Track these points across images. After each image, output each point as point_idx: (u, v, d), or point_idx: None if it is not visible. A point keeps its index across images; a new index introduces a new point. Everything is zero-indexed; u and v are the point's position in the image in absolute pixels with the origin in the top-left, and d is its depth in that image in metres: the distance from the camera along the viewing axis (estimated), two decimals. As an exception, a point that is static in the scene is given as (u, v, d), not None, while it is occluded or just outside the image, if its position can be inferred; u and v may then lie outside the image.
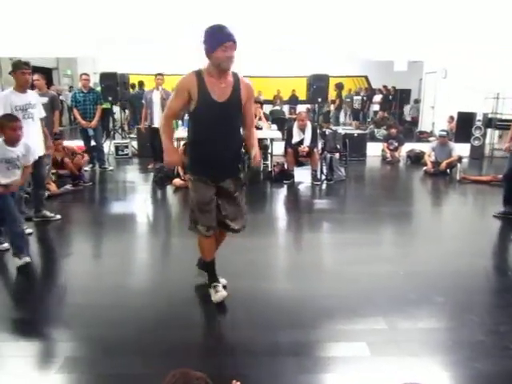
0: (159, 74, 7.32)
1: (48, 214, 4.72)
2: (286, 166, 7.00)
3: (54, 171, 6.22)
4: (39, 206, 4.69)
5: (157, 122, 7.15)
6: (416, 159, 8.49)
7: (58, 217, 4.76)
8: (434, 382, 2.24)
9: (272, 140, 7.36)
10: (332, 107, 15.24)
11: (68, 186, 6.10)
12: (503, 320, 2.89)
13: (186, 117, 7.41)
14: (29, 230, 4.27)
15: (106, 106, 8.74)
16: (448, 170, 7.59)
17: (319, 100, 8.70)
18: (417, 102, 14.86)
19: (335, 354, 2.44)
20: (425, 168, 7.71)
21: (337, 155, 7.26)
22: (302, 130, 6.74)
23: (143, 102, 7.60)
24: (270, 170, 7.32)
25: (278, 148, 7.68)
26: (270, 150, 7.49)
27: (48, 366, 2.34)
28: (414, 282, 3.37)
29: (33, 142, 3.99)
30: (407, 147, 9.03)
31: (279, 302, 3.07)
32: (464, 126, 9.61)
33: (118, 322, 2.78)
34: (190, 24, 8.68)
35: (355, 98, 15.22)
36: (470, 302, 3.14)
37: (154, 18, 8.73)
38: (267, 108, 12.79)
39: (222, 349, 2.50)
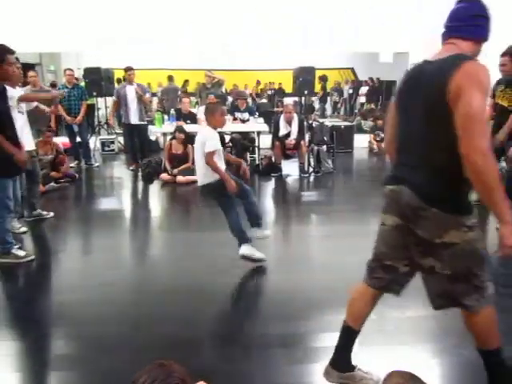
0: (130, 69, 7.12)
1: (43, 212, 4.66)
2: (273, 159, 7.01)
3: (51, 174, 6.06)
4: (35, 204, 4.61)
5: (134, 119, 7.04)
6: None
7: (52, 214, 4.71)
8: (423, 370, 2.27)
9: (259, 133, 7.35)
10: (315, 99, 15.22)
11: (53, 183, 6.02)
12: (489, 307, 2.94)
13: (172, 111, 7.39)
14: (23, 229, 4.28)
15: (90, 101, 8.65)
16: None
17: (305, 92, 8.70)
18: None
19: (325, 345, 2.46)
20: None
21: (324, 147, 7.28)
22: (289, 122, 6.74)
23: (114, 98, 7.45)
24: (257, 163, 7.31)
25: (266, 141, 7.69)
26: (257, 143, 7.48)
27: (39, 364, 2.32)
28: (402, 272, 3.40)
29: (25, 136, 3.97)
30: (394, 138, 9.07)
31: (269, 294, 3.09)
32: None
33: (108, 319, 2.77)
34: (173, 19, 8.62)
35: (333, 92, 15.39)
36: (457, 290, 3.18)
37: (138, 13, 8.63)
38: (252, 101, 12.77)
39: (213, 342, 2.50)
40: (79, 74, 10.48)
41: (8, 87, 3.60)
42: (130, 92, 7.06)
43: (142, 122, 7.13)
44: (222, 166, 3.46)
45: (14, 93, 3.86)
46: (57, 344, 2.53)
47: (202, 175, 3.47)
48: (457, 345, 2.43)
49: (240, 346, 2.43)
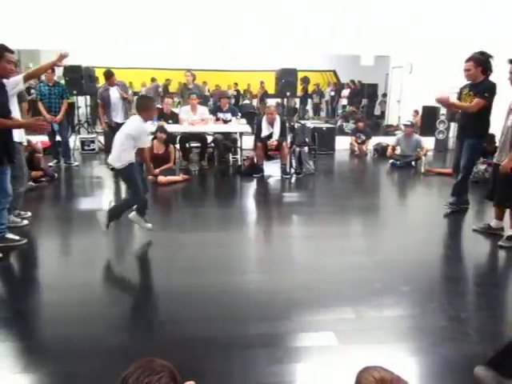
0: (111, 75, 7.13)
1: (22, 212, 4.58)
2: (255, 160, 7.02)
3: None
4: (16, 205, 4.48)
5: (120, 118, 7.04)
6: (383, 152, 8.67)
7: (29, 214, 4.62)
8: (400, 367, 2.31)
9: (241, 134, 7.35)
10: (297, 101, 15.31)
11: (31, 183, 5.90)
12: (463, 307, 3.02)
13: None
14: (25, 222, 4.39)
15: (70, 100, 8.52)
16: (413, 163, 7.80)
17: (288, 94, 8.75)
18: (385, 96, 15.15)
19: (304, 344, 2.49)
20: (391, 161, 7.89)
21: (306, 149, 7.33)
22: (271, 123, 6.76)
23: (98, 100, 7.42)
24: (239, 164, 7.32)
25: (248, 142, 7.70)
26: (239, 144, 7.49)
27: (12, 366, 2.28)
28: (381, 272, 3.46)
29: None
30: (374, 141, 9.21)
31: (249, 295, 3.09)
32: (428, 119, 9.88)
33: (86, 319, 2.73)
34: (158, 17, 8.57)
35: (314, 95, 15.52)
36: (433, 290, 3.25)
37: (121, 10, 8.55)
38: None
39: (193, 342, 2.49)
40: (59, 71, 10.33)
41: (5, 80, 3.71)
42: (114, 93, 7.05)
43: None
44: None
45: (13, 82, 3.86)
46: (34, 345, 2.49)
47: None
48: (433, 343, 2.48)
49: (220, 346, 2.43)
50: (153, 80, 11.23)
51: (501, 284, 3.50)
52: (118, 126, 6.97)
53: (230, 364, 2.29)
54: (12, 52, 3.54)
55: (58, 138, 7.38)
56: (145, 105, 3.95)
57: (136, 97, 7.76)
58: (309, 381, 2.20)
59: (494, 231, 4.25)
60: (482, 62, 4.54)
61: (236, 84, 15.77)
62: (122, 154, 3.86)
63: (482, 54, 4.58)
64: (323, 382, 2.19)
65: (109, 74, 7.13)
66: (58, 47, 11.27)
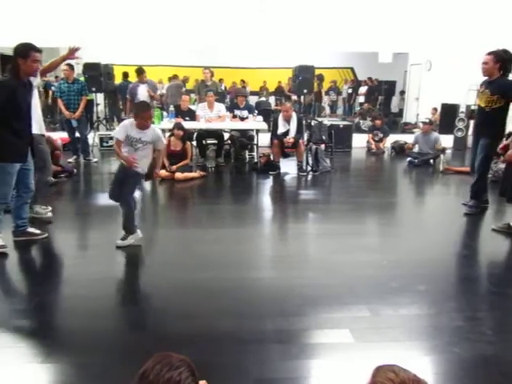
0: (142, 72, 7.26)
1: (42, 206, 4.67)
2: (271, 157, 7.03)
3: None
4: (43, 193, 4.60)
5: None
6: (400, 150, 8.60)
7: (50, 208, 4.70)
8: (415, 366, 2.30)
9: (258, 131, 7.37)
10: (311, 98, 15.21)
11: (51, 178, 6.01)
12: (481, 307, 2.98)
13: (172, 108, 7.41)
14: (50, 214, 4.49)
15: (89, 97, 8.65)
16: (431, 161, 7.72)
17: (305, 91, 8.72)
18: (402, 93, 14.99)
19: (320, 341, 2.50)
20: (409, 159, 7.82)
21: (322, 146, 7.31)
22: (287, 121, 6.76)
23: (127, 96, 7.56)
24: (255, 161, 7.34)
25: (264, 139, 7.72)
26: (255, 141, 7.51)
27: (33, 357, 2.34)
28: (397, 271, 3.44)
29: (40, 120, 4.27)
30: (392, 138, 9.13)
31: (265, 291, 3.11)
32: (447, 117, 9.74)
33: (105, 313, 2.79)
34: (175, 15, 8.62)
35: (330, 92, 15.39)
36: (450, 289, 3.23)
37: (139, 9, 8.63)
38: (253, 99, 12.78)
39: (209, 337, 2.53)
40: (78, 69, 10.47)
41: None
42: (142, 91, 7.17)
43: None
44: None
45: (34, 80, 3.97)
46: (52, 336, 2.56)
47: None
48: (449, 342, 2.47)
49: (236, 341, 2.46)
50: (175, 77, 11.28)
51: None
52: None
53: (245, 359, 2.31)
54: (39, 51, 3.59)
55: (77, 134, 7.50)
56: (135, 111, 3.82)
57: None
58: (325, 377, 2.21)
59: None
60: (502, 60, 4.42)
61: (243, 81, 15.69)
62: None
63: (506, 52, 4.46)
64: (339, 379, 2.20)
65: (139, 71, 7.29)
66: (76, 45, 11.49)
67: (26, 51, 3.49)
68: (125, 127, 3.70)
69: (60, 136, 7.23)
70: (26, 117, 3.60)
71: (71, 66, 7.36)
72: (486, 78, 4.60)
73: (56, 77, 14.01)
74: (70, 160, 7.33)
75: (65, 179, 6.26)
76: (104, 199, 5.68)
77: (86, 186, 6.51)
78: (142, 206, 5.59)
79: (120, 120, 9.67)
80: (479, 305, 2.99)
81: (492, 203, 5.09)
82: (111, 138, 8.90)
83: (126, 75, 11.72)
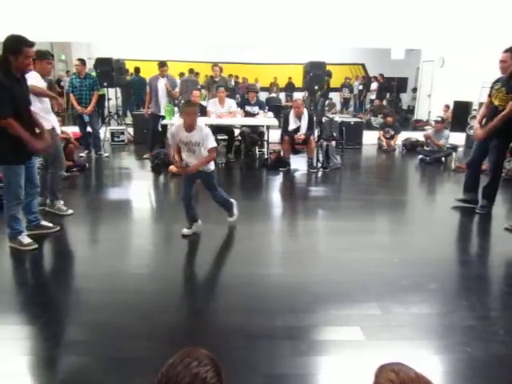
0: (164, 65, 7.27)
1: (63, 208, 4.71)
2: (282, 154, 7.02)
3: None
4: (56, 189, 4.63)
5: (162, 110, 7.21)
6: (412, 148, 8.53)
7: (62, 202, 4.70)
8: (426, 365, 2.30)
9: (268, 127, 7.36)
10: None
11: (64, 172, 6.06)
12: (493, 306, 2.96)
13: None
14: (70, 211, 4.56)
15: (101, 92, 8.69)
16: (443, 159, 7.65)
17: (316, 87, 8.69)
18: (414, 90, 14.85)
19: (330, 338, 2.50)
20: (420, 156, 7.76)
21: (333, 143, 7.27)
22: (299, 117, 6.74)
23: (147, 88, 7.60)
24: (266, 157, 7.33)
25: (275, 135, 7.70)
26: (266, 138, 7.50)
27: (49, 348, 2.38)
28: (408, 269, 3.42)
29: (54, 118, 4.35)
30: (403, 136, 9.06)
31: (275, 288, 3.11)
32: (460, 114, 9.63)
33: (119, 307, 2.82)
34: (185, 11, 8.61)
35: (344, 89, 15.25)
36: (462, 288, 3.21)
37: (150, 4, 8.64)
38: (263, 95, 12.75)
39: (219, 332, 2.54)
40: (90, 64, 10.53)
41: (34, 75, 3.94)
42: (161, 84, 7.18)
43: None
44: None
45: (33, 82, 3.97)
46: (67, 329, 2.59)
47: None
48: (460, 342, 2.46)
49: (246, 337, 2.47)
50: (190, 71, 11.28)
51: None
52: (158, 117, 7.21)
53: (255, 354, 2.32)
54: (31, 45, 3.37)
55: (89, 129, 7.56)
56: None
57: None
58: (335, 374, 2.21)
59: None
60: None
61: (237, 77, 15.59)
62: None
63: None
64: (349, 377, 2.20)
65: (160, 64, 7.30)
66: (89, 39, 11.54)
67: (17, 47, 3.29)
68: (173, 132, 3.77)
69: (72, 130, 7.28)
70: (25, 114, 3.45)
71: (83, 61, 7.42)
72: (502, 75, 4.50)
73: (67, 71, 14.14)
74: (81, 154, 7.39)
75: (77, 173, 6.32)
76: (116, 193, 5.74)
77: (97, 181, 6.56)
78: (154, 201, 5.64)
79: (133, 115, 9.69)
80: (491, 304, 2.97)
81: (505, 202, 5.03)
82: (122, 133, 8.98)
83: (137, 70, 11.79)
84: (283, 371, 2.21)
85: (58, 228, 4.06)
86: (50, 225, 4.05)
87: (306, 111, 6.82)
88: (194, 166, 3.77)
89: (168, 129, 7.93)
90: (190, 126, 3.64)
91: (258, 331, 2.53)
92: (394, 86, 14.58)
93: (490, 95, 4.67)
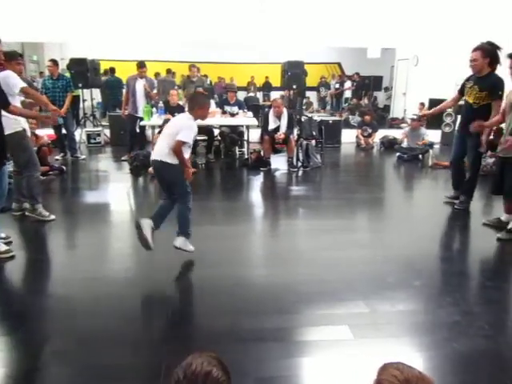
0: (143, 65, 7.14)
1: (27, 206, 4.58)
2: (262, 153, 7.00)
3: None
4: (35, 192, 4.44)
5: (140, 111, 7.10)
6: (389, 145, 8.64)
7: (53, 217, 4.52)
8: (415, 362, 2.31)
9: (248, 127, 7.33)
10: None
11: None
12: (476, 301, 3.01)
13: (161, 104, 7.33)
14: (52, 216, 4.39)
15: (75, 93, 8.50)
16: (420, 156, 7.77)
17: (294, 87, 8.70)
18: (386, 89, 15.08)
19: (320, 338, 2.49)
20: (398, 154, 7.87)
21: (313, 142, 7.30)
22: (278, 117, 6.73)
23: (125, 88, 7.46)
24: (246, 157, 7.30)
25: (254, 135, 7.68)
26: (245, 137, 7.47)
27: (29, 359, 2.29)
28: (391, 266, 3.45)
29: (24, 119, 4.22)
30: (380, 134, 9.17)
31: (261, 289, 3.09)
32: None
33: (101, 313, 2.74)
34: (161, 10, 8.51)
35: (321, 88, 15.32)
36: (445, 284, 3.25)
37: (125, 4, 8.50)
38: (241, 95, 12.71)
39: (206, 335, 2.50)
40: (63, 64, 10.28)
41: (15, 76, 3.98)
42: (139, 86, 7.05)
43: None
44: (187, 156, 3.42)
45: (19, 82, 3.99)
46: (46, 339, 2.50)
47: (165, 155, 3.32)
48: (447, 337, 2.48)
49: (234, 340, 2.44)
50: (168, 72, 11.14)
51: (509, 278, 3.51)
52: (135, 118, 7.09)
53: (243, 357, 2.28)
54: (22, 56, 3.82)
55: (64, 131, 7.37)
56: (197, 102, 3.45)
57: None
58: (327, 374, 2.20)
59: (505, 225, 4.23)
60: (490, 53, 4.35)
61: (206, 75, 15.48)
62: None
63: (491, 44, 4.38)
64: (341, 376, 2.19)
65: (140, 65, 7.16)
66: (61, 40, 11.28)
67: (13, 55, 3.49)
68: (194, 127, 3.33)
69: (46, 133, 7.10)
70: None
71: (55, 62, 7.20)
72: (474, 73, 4.57)
73: (41, 72, 13.79)
74: (57, 157, 7.21)
75: (53, 177, 6.15)
76: (93, 197, 5.62)
77: (74, 184, 6.39)
78: (134, 204, 5.54)
79: (110, 116, 9.48)
80: (474, 299, 3.02)
81: (481, 197, 5.14)
82: (99, 135, 8.79)
83: (112, 70, 11.57)
84: (274, 374, 2.19)
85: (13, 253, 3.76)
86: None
87: (285, 110, 6.82)
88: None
89: (146, 130, 7.85)
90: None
91: (246, 334, 2.50)
92: (371, 85, 14.74)
93: (460, 92, 4.79)
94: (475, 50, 4.44)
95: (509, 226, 4.01)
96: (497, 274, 3.52)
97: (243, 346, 2.38)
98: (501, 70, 4.38)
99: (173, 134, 3.29)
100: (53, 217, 4.39)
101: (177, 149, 3.25)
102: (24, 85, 4.07)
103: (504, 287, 3.24)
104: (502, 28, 7.26)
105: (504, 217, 4.27)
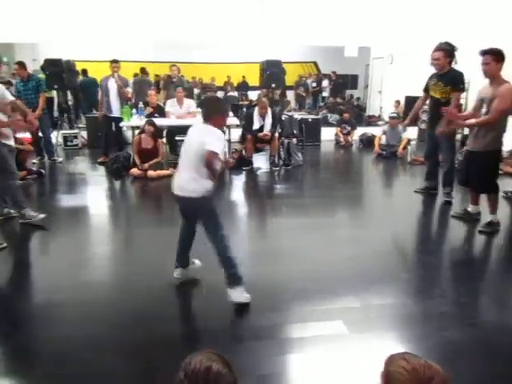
0: (115, 62, 7.00)
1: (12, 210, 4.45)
2: (244, 153, 7.01)
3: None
4: (16, 198, 4.34)
5: (115, 111, 6.96)
6: (368, 143, 8.77)
7: (43, 215, 4.40)
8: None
9: (229, 127, 7.31)
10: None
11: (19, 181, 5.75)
12: (463, 292, 3.09)
13: (141, 104, 7.25)
14: (41, 216, 4.29)
15: (49, 94, 8.30)
16: (398, 153, 7.93)
17: (273, 85, 8.73)
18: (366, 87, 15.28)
19: (316, 334, 2.52)
20: (374, 150, 8.01)
21: (294, 140, 7.35)
22: (263, 116, 6.74)
23: (99, 89, 7.31)
24: (228, 156, 7.29)
25: (234, 135, 7.66)
26: (227, 137, 7.45)
27: (23, 366, 2.24)
28: (379, 261, 3.52)
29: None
30: (359, 131, 9.30)
31: (253, 287, 3.08)
32: (411, 109, 9.98)
33: (90, 319, 2.69)
34: (135, 10, 8.42)
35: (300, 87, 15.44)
36: (432, 276, 3.34)
37: (98, 2, 8.36)
38: (219, 94, 12.67)
39: (200, 334, 2.51)
40: (35, 65, 10.03)
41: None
42: (112, 85, 6.91)
43: (121, 116, 7.02)
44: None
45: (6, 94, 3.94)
46: (39, 345, 2.45)
47: (190, 184, 2.81)
48: (438, 328, 2.57)
49: (228, 340, 2.45)
50: (142, 71, 10.93)
51: (492, 267, 3.64)
52: (111, 119, 6.94)
53: (239, 355, 2.26)
54: None
55: (40, 134, 7.20)
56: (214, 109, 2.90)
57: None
58: (326, 369, 2.23)
59: (473, 216, 4.38)
60: (450, 53, 4.74)
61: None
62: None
63: (449, 44, 4.77)
64: (340, 370, 2.23)
65: (112, 61, 6.98)
66: (33, 40, 11.00)
67: None
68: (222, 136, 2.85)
69: (23, 136, 6.91)
70: None
71: (22, 64, 6.91)
72: (436, 71, 4.91)
73: (13, 74, 13.39)
74: (33, 161, 7.03)
75: (32, 181, 6.00)
76: (73, 200, 5.50)
77: (53, 188, 6.26)
78: (117, 206, 5.47)
79: (86, 117, 9.29)
80: (461, 290, 3.10)
81: (457, 191, 5.28)
82: (76, 137, 8.62)
83: (85, 72, 11.31)
84: (274, 370, 2.21)
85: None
86: None
87: (269, 109, 6.85)
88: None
89: (125, 131, 7.75)
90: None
91: (243, 332, 2.52)
92: (348, 83, 14.92)
93: (426, 90, 5.14)
94: (437, 50, 4.82)
95: (488, 219, 4.13)
96: (480, 264, 3.64)
97: (241, 344, 2.40)
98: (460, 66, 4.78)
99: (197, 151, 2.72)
100: (42, 215, 4.29)
101: (209, 160, 2.66)
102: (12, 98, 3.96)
103: (486, 277, 3.35)
104: (465, 27, 7.53)
105: (470, 208, 4.42)
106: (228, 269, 2.82)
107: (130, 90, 7.59)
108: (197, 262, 3.23)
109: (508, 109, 3.83)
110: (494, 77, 3.87)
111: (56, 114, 9.48)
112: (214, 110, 2.87)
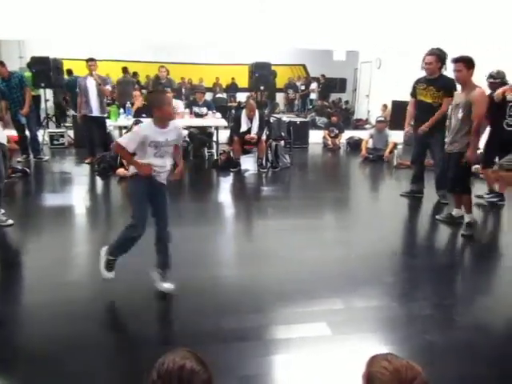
0: (91, 60, 6.88)
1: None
2: (232, 154, 7.01)
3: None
4: None
5: (95, 111, 6.88)
6: (355, 146, 8.83)
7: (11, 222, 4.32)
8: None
9: (217, 128, 7.32)
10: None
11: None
12: (446, 294, 3.14)
13: (128, 104, 7.21)
14: (10, 221, 4.19)
15: (35, 92, 8.21)
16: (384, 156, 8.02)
17: (262, 88, 8.76)
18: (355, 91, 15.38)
19: (299, 335, 2.53)
20: (361, 154, 8.08)
21: (282, 143, 7.37)
22: (250, 119, 6.75)
23: (77, 90, 7.18)
24: (216, 158, 7.29)
25: (223, 136, 7.66)
26: (214, 138, 7.46)
27: (5, 367, 2.21)
28: (364, 264, 3.55)
29: None
30: (347, 135, 9.37)
31: (239, 289, 3.10)
32: (398, 113, 10.09)
33: (72, 319, 2.66)
34: (126, 9, 8.37)
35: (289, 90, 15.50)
36: (416, 279, 3.38)
37: (86, 1, 8.30)
38: (208, 96, 12.65)
39: (186, 336, 2.49)
40: (21, 63, 9.90)
41: None
42: (91, 83, 6.81)
43: (103, 115, 6.91)
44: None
45: None
46: (21, 345, 2.42)
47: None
48: (421, 330, 2.59)
49: (213, 341, 2.44)
50: (124, 70, 10.82)
51: (474, 270, 3.69)
52: (91, 119, 6.85)
53: (223, 357, 2.28)
54: None
55: (27, 132, 7.11)
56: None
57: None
58: (309, 370, 2.24)
59: (456, 220, 4.45)
60: (442, 59, 4.84)
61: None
62: None
63: (441, 50, 4.88)
64: (324, 371, 2.24)
65: (87, 60, 6.85)
66: (20, 37, 10.86)
67: None
68: (139, 134, 2.74)
69: (8, 134, 6.80)
70: None
71: (1, 63, 6.84)
72: (425, 75, 5.00)
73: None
74: (19, 159, 6.95)
75: (16, 180, 5.92)
76: (58, 200, 5.45)
77: (38, 187, 6.19)
78: (102, 205, 5.43)
79: (73, 116, 9.19)
80: (444, 293, 3.14)
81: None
82: (62, 136, 8.54)
83: (69, 72, 11.17)
84: (259, 371, 2.21)
85: None
86: None
87: (257, 112, 6.86)
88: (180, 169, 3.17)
89: (111, 131, 7.69)
90: (168, 122, 2.78)
91: (228, 333, 2.51)
92: (337, 87, 15.01)
93: (414, 95, 5.21)
94: (430, 54, 4.89)
95: (465, 221, 4.19)
96: (462, 266, 3.69)
97: (226, 345, 2.39)
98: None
99: None
100: (10, 221, 4.20)
101: (117, 150, 3.05)
102: None
103: (470, 280, 3.40)
104: (454, 33, 7.65)
105: (454, 211, 4.49)
106: (111, 252, 2.97)
107: (109, 87, 7.49)
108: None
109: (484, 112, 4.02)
110: (465, 82, 4.06)
111: (43, 112, 9.36)
112: (152, 104, 2.82)
